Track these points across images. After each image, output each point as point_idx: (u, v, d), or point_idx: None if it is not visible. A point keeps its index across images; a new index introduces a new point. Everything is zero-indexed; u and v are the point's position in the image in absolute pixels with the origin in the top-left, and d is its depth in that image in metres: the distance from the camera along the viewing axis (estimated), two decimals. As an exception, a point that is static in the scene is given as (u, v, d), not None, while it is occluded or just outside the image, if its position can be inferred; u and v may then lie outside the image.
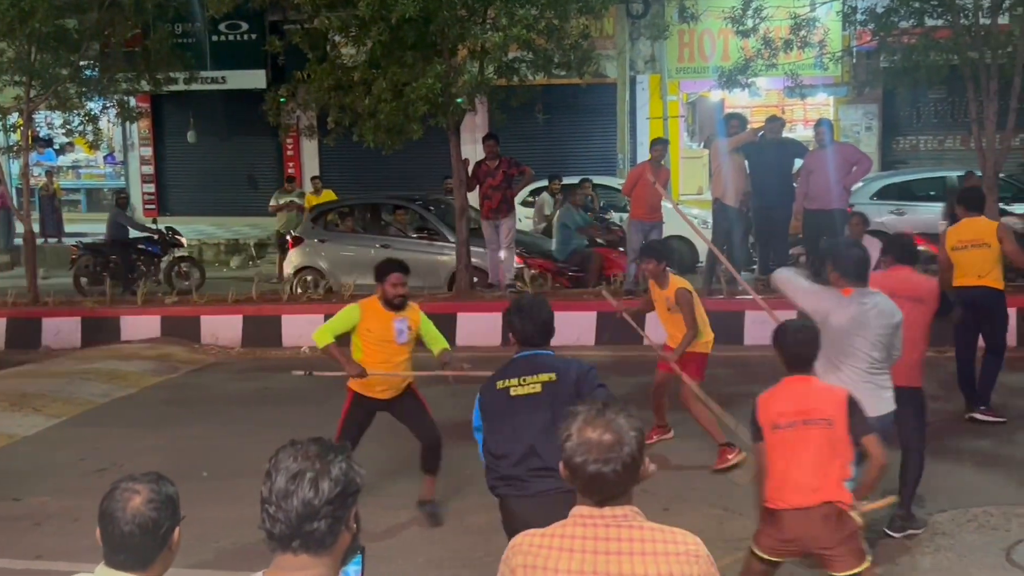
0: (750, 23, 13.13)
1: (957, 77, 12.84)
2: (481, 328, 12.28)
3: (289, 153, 22.99)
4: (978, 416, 8.62)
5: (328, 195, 17.95)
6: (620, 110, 20.14)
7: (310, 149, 22.22)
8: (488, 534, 6.71)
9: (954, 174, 15.58)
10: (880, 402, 5.40)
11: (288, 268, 15.20)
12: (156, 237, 16.63)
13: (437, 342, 7.09)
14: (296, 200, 18.21)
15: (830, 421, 4.54)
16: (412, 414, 7.06)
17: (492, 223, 13.26)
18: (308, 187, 19.13)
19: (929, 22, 12.76)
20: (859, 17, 13.49)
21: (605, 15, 14.67)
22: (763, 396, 4.76)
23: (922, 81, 13.09)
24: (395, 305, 6.83)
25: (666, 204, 12.56)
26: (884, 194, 15.65)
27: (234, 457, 8.33)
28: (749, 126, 13.17)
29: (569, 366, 4.60)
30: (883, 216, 14.72)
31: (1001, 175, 13.00)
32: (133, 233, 16.48)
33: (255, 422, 9.55)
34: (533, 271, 13.99)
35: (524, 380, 4.55)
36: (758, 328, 11.68)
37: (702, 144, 19.53)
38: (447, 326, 12.50)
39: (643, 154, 15.52)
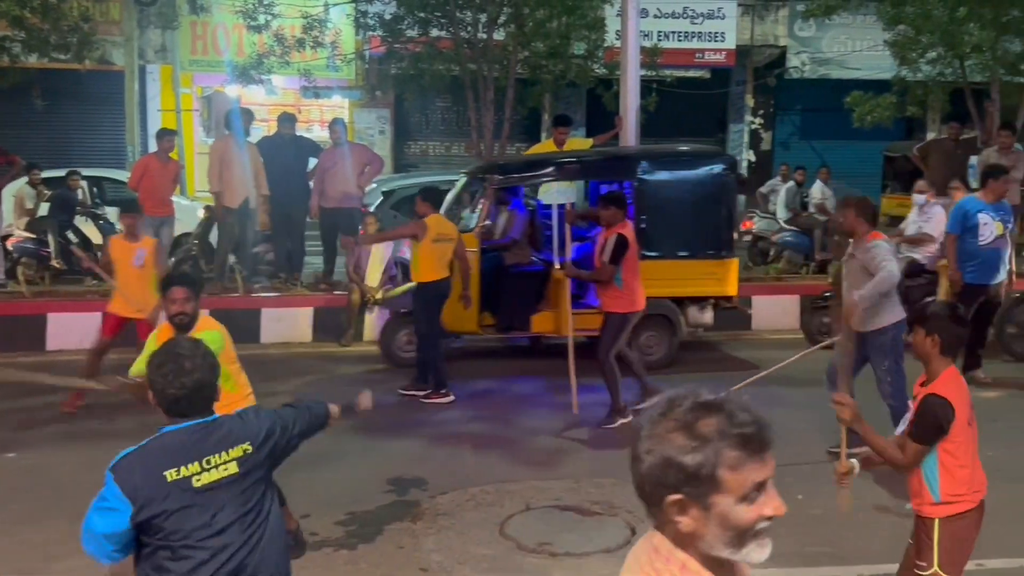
0: (262, 19, 13.12)
1: (460, 86, 13.68)
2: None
3: None
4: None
5: None
6: (129, 100, 19.07)
7: None
8: (47, 548, 5.97)
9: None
10: None
11: None
12: None
13: None
14: None
15: None
16: None
17: (-26, 217, 11.98)
18: None
19: (434, 33, 13.50)
20: (370, 22, 13.89)
21: (108, -2, 13.90)
22: (939, 389, 4.18)
23: (428, 88, 13.84)
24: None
25: (178, 199, 12.08)
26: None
27: None
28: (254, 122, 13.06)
29: (253, 422, 3.46)
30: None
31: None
32: None
33: None
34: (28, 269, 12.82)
35: (209, 461, 3.24)
36: (274, 325, 11.70)
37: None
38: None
39: (154, 147, 14.82)
